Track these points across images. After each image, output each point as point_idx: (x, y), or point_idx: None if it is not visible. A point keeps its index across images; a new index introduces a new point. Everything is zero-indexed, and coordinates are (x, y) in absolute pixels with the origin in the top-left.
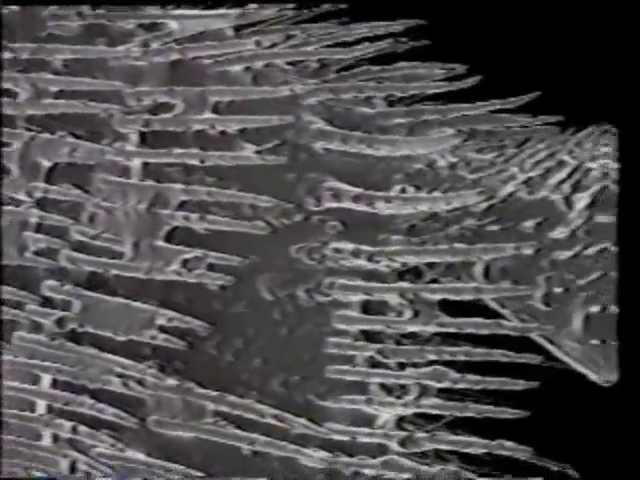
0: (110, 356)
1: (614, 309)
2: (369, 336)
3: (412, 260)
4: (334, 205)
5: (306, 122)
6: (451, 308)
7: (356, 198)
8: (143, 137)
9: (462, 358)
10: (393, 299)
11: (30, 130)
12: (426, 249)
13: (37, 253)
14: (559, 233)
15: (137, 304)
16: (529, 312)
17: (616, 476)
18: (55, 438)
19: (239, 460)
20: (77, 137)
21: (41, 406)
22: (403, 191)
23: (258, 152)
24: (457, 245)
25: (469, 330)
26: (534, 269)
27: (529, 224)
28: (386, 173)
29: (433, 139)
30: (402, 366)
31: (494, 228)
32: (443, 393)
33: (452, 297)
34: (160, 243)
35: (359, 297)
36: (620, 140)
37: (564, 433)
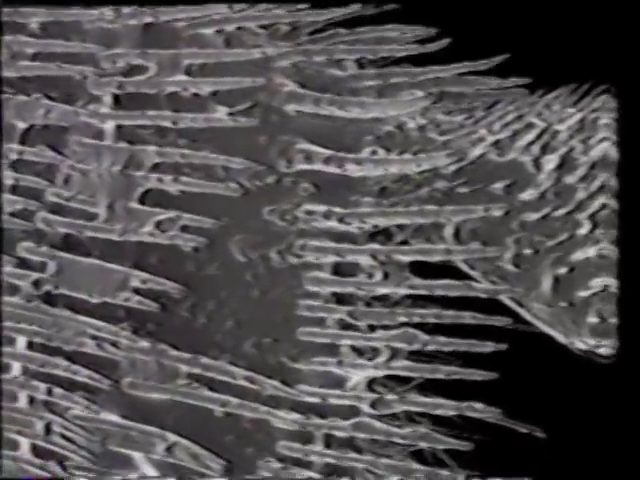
0: (84, 318)
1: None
2: (340, 298)
3: (383, 222)
4: (306, 167)
5: (278, 84)
6: (421, 270)
7: (327, 160)
8: (117, 99)
9: (432, 320)
10: (364, 261)
11: (5, 92)
12: (397, 211)
13: (13, 215)
14: (528, 195)
15: (111, 266)
16: (498, 274)
17: (583, 438)
18: (31, 400)
19: (211, 421)
20: (52, 99)
21: (16, 368)
22: (373, 153)
23: (230, 114)
24: (427, 207)
25: (439, 292)
26: (503, 231)
27: (498, 186)
28: (357, 135)
29: (403, 101)
30: (373, 328)
31: (464, 190)
32: (413, 355)
33: (422, 258)
34: (134, 205)
35: (330, 259)
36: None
37: (532, 395)
